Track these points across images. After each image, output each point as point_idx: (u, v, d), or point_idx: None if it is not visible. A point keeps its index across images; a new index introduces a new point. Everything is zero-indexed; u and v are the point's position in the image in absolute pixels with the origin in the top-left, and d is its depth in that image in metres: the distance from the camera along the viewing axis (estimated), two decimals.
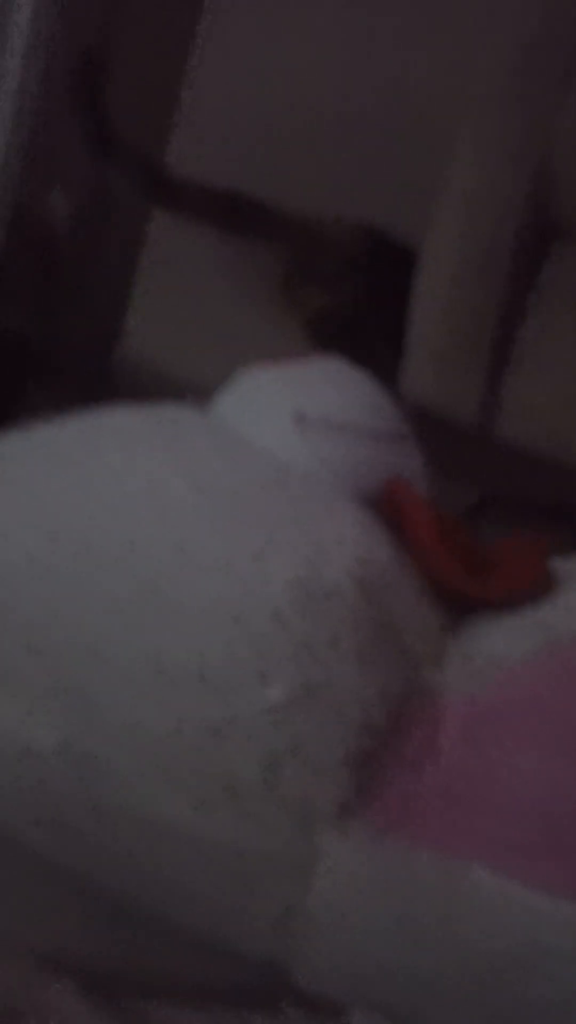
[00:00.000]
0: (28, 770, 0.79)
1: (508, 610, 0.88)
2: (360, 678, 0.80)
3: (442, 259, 1.34)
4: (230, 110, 1.66)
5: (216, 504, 0.83)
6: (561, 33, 1.29)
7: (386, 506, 0.92)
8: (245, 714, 0.77)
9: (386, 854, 0.77)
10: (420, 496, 0.91)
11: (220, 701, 0.77)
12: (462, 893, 0.75)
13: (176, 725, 0.77)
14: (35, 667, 0.80)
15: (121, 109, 1.64)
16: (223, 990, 0.83)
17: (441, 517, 0.93)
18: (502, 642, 0.85)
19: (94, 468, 0.86)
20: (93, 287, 1.60)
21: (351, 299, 1.60)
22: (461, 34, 1.38)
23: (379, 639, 0.81)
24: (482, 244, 1.32)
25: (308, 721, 0.78)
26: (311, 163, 1.63)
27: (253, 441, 0.93)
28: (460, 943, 0.75)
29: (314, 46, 1.65)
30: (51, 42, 1.56)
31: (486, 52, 1.33)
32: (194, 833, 0.78)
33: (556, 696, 0.78)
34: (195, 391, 0.98)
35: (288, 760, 0.77)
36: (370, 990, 0.78)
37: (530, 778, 0.76)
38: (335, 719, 0.78)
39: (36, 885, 0.83)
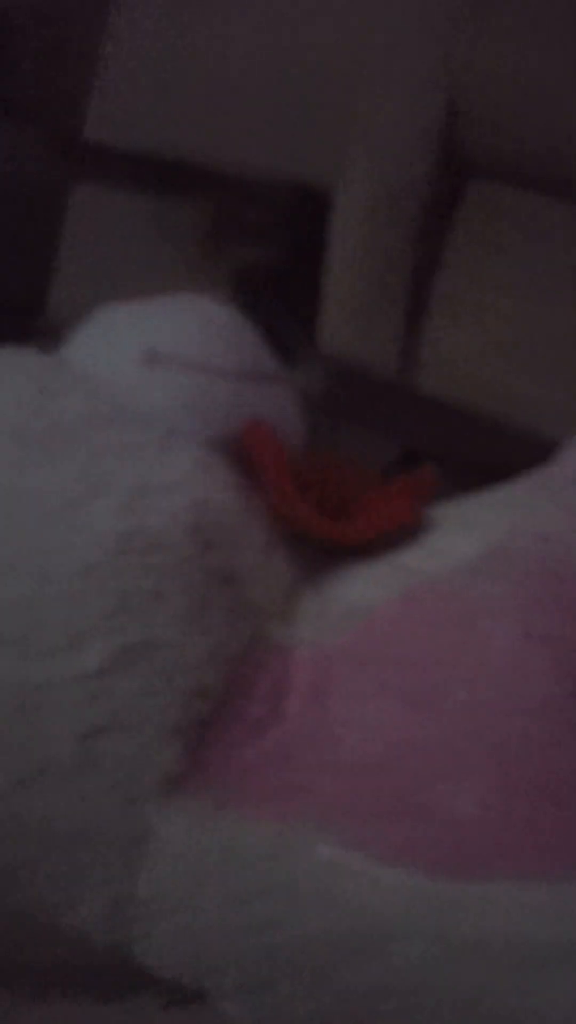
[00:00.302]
0: None
1: (372, 556, 0.79)
2: (189, 637, 0.71)
3: (353, 204, 1.26)
4: (145, 73, 1.61)
5: (28, 449, 0.75)
6: None
7: (241, 450, 0.83)
8: (57, 682, 0.69)
9: (222, 828, 0.69)
10: (276, 439, 0.83)
11: (30, 668, 0.69)
12: (303, 866, 0.67)
13: None
14: None
15: (35, 79, 1.58)
16: (74, 980, 0.75)
17: (300, 460, 0.84)
18: (362, 590, 0.77)
19: None
20: (16, 253, 1.53)
21: (276, 252, 1.53)
22: None
23: (214, 592, 0.73)
24: (392, 186, 1.24)
25: (129, 688, 0.70)
26: (229, 119, 1.58)
27: (100, 380, 0.85)
28: (302, 919, 0.67)
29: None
30: None
31: None
32: (14, 813, 0.70)
33: (408, 642, 0.70)
34: None
35: (107, 732, 0.69)
36: (217, 972, 0.70)
37: (373, 734, 0.68)
38: (160, 684, 0.70)
39: None
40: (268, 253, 1.55)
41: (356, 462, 0.94)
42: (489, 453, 1.26)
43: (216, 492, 0.78)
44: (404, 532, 0.82)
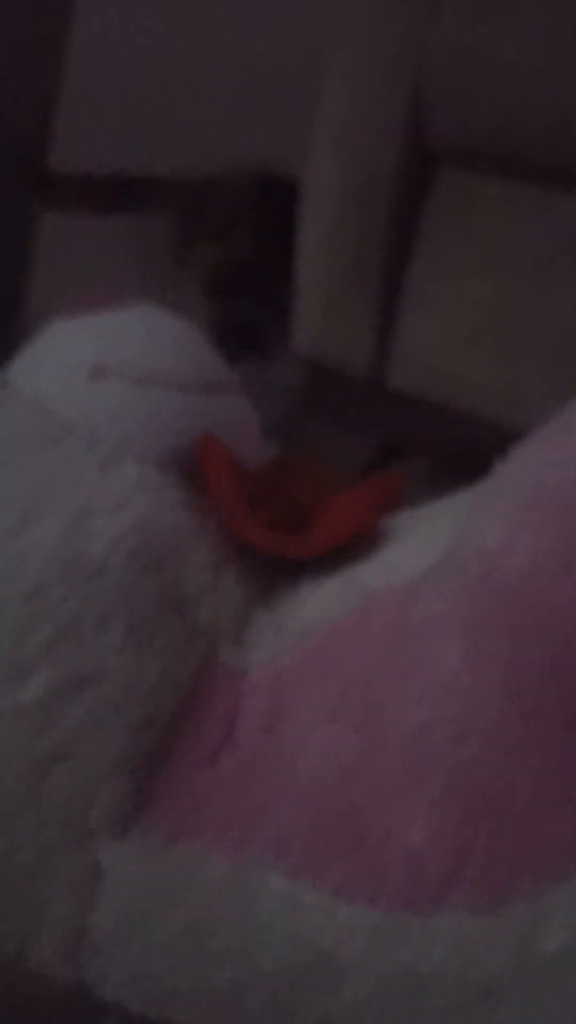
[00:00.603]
0: None
1: (327, 568, 0.77)
2: (137, 664, 0.69)
3: (321, 197, 1.24)
4: (106, 88, 1.60)
5: None
6: None
7: (194, 464, 0.81)
8: (1, 716, 0.67)
9: (175, 862, 0.67)
10: (228, 452, 0.81)
11: None
12: (256, 899, 0.65)
13: None
14: None
15: None
16: (37, 1016, 0.73)
17: (258, 471, 0.82)
18: (315, 607, 0.74)
19: None
20: None
21: (244, 245, 1.52)
22: None
23: (162, 617, 0.71)
24: (360, 177, 1.22)
25: (75, 719, 0.68)
26: (192, 120, 1.57)
27: (48, 396, 0.83)
28: (257, 954, 0.65)
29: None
30: None
31: None
32: None
33: (358, 662, 0.68)
34: None
35: (54, 765, 0.67)
36: (175, 1006, 0.68)
37: (325, 760, 0.66)
38: (108, 714, 0.68)
39: None
40: (238, 247, 1.53)
41: (319, 470, 0.92)
42: (466, 445, 1.24)
43: (162, 512, 0.76)
44: (362, 542, 0.79)
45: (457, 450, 1.20)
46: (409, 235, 1.23)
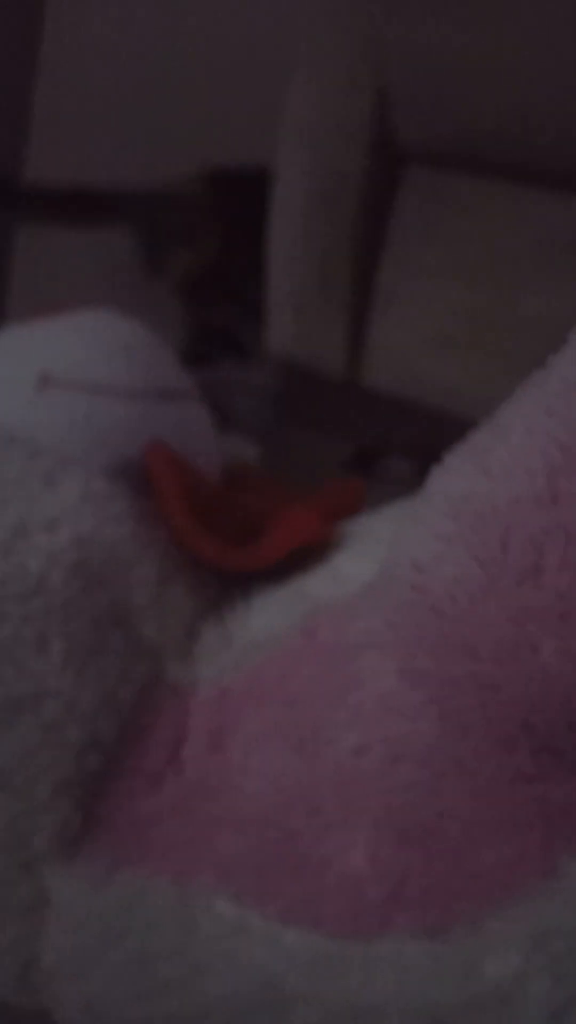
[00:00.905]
0: None
1: (278, 578, 0.75)
2: (78, 685, 0.67)
3: (289, 198, 1.22)
4: (76, 102, 1.59)
5: None
6: None
7: (143, 474, 0.79)
8: None
9: (120, 888, 0.65)
10: (178, 461, 0.78)
11: None
12: (202, 926, 0.63)
13: None
14: None
15: None
16: None
17: (207, 481, 0.80)
18: (264, 621, 0.72)
19: None
20: None
21: (211, 247, 1.50)
22: None
23: (103, 635, 0.69)
24: (328, 179, 1.20)
25: (15, 744, 0.66)
26: (158, 131, 1.56)
27: None
28: (204, 982, 0.63)
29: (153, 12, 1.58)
30: None
31: None
32: None
33: (299, 680, 0.66)
34: None
35: None
36: None
37: (268, 783, 0.63)
38: (49, 738, 0.66)
39: None
40: (204, 249, 1.52)
41: (276, 478, 0.90)
42: (439, 446, 1.22)
43: (105, 525, 0.74)
44: (314, 549, 0.77)
45: (433, 451, 1.18)
46: (379, 236, 1.21)
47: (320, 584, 0.72)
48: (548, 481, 0.58)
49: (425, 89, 1.16)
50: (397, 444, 1.24)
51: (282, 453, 1.11)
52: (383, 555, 0.67)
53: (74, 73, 1.60)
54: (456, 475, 0.62)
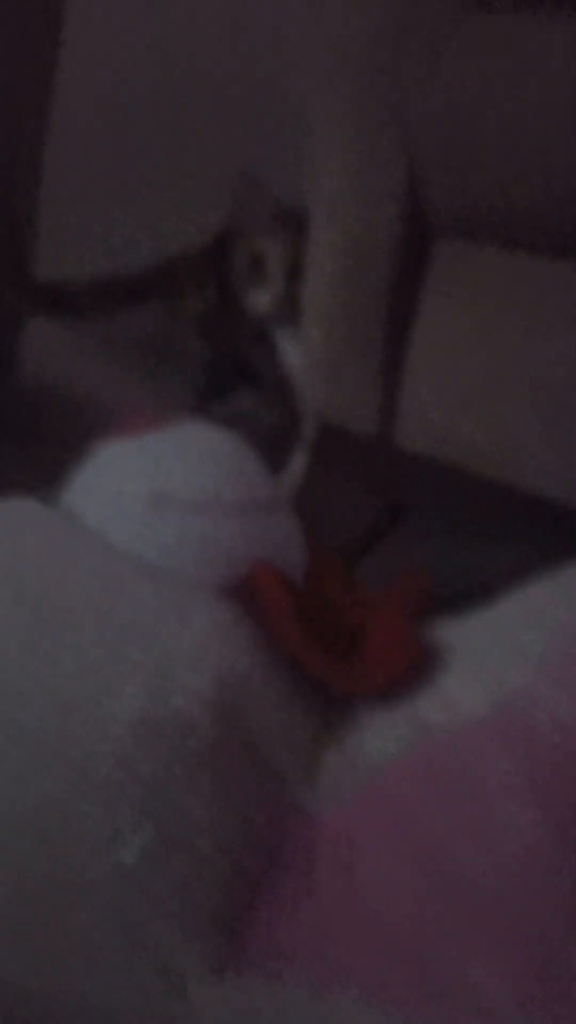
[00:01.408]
0: None
1: (386, 698, 0.81)
2: (223, 821, 0.73)
3: (323, 267, 1.27)
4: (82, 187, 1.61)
5: (39, 618, 0.76)
6: (415, 19, 1.20)
7: (249, 591, 0.85)
8: (96, 877, 0.71)
9: (266, 1010, 0.71)
10: (283, 581, 0.84)
11: (70, 867, 0.70)
12: None
13: (16, 883, 0.70)
14: None
15: None
16: None
17: (300, 588, 0.85)
18: (378, 744, 0.78)
19: None
20: None
21: (213, 292, 1.55)
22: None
23: (242, 767, 0.75)
24: (357, 249, 1.24)
25: (168, 880, 0.71)
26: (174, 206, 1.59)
27: (107, 528, 0.85)
28: None
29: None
30: None
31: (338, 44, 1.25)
32: (51, 995, 0.71)
33: (421, 804, 0.72)
34: None
35: (150, 922, 0.71)
36: None
37: (400, 910, 0.70)
38: (201, 871, 0.71)
39: None
40: (207, 295, 1.56)
41: (344, 569, 0.95)
42: (470, 507, 1.29)
43: (236, 654, 0.79)
44: (409, 671, 0.83)
45: (461, 509, 1.24)
46: (409, 304, 1.26)
47: (432, 709, 0.79)
48: None
49: (451, 161, 1.21)
50: (425, 502, 1.31)
51: (315, 507, 1.16)
52: (489, 676, 0.73)
53: (78, 164, 1.63)
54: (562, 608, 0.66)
